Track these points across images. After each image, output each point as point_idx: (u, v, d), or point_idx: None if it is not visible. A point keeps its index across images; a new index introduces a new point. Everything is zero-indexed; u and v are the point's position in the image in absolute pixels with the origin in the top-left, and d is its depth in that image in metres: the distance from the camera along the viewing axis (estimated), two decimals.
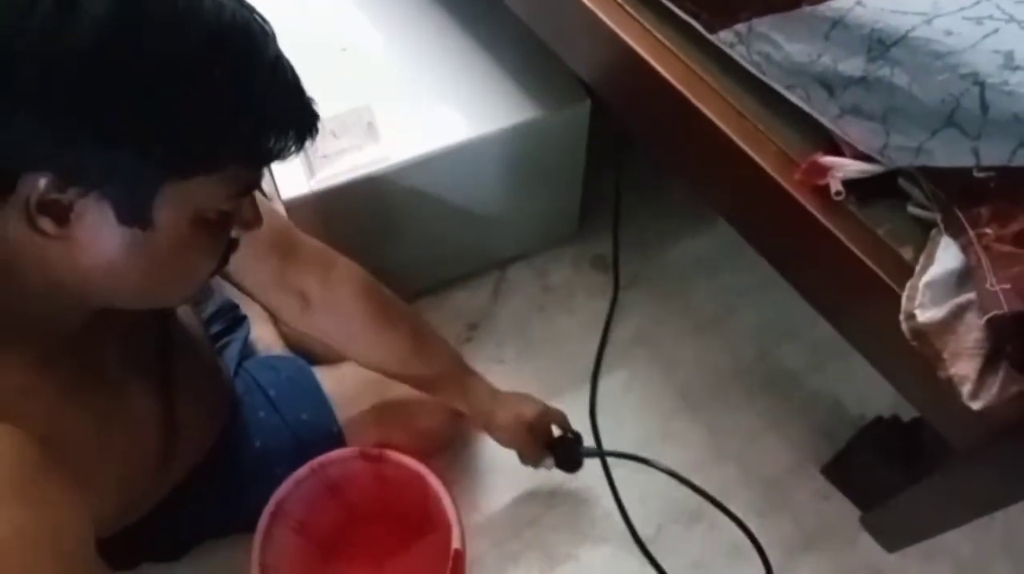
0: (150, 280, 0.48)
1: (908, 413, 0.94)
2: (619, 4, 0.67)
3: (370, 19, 1.04)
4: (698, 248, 1.20)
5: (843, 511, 0.99)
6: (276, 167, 0.88)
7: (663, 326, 1.13)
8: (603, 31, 0.67)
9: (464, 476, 1.01)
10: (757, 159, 0.59)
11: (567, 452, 0.91)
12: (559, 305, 1.16)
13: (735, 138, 0.60)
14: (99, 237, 0.44)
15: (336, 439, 0.86)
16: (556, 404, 1.06)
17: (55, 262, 0.45)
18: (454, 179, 0.95)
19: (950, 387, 0.48)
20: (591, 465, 0.97)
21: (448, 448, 1.00)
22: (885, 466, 0.92)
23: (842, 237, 0.55)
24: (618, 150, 1.13)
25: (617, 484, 1.00)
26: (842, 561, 0.96)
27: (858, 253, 0.55)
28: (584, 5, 0.68)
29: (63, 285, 0.47)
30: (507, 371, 1.09)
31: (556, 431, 0.92)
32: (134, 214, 0.44)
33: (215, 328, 0.95)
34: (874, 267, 0.54)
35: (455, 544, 0.77)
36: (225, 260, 0.53)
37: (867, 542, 0.97)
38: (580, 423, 1.04)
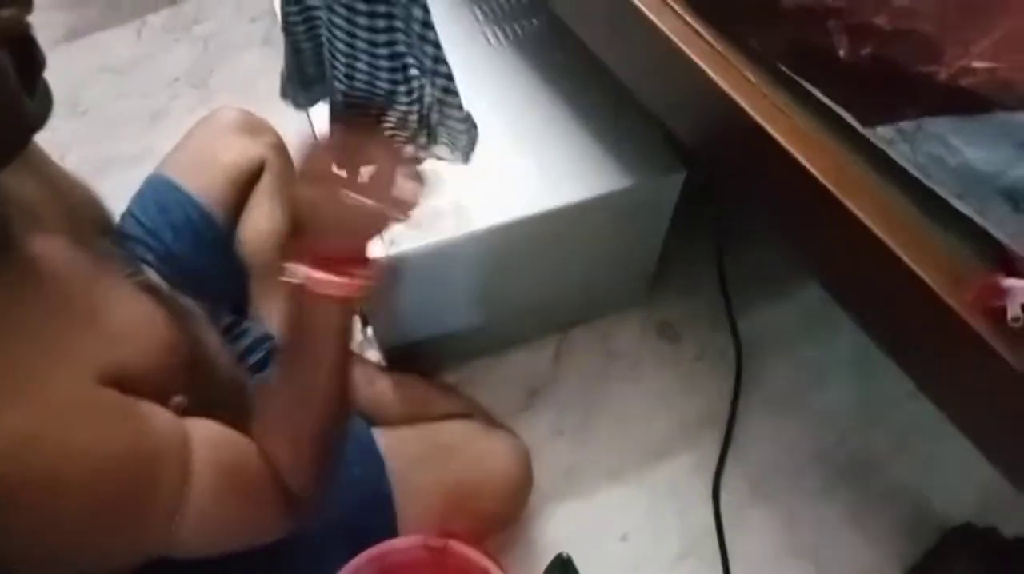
0: None
1: (1002, 523, 0.88)
2: (754, 85, 0.62)
3: (462, 75, 0.98)
4: (772, 320, 1.13)
5: None
6: None
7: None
8: (735, 113, 0.62)
9: (518, 559, 0.94)
10: (918, 271, 0.53)
11: None
12: (623, 374, 1.09)
13: (892, 245, 0.54)
14: None
15: (384, 502, 0.80)
16: (618, 486, 1.01)
17: None
18: (532, 245, 0.89)
19: None
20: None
21: (504, 530, 0.94)
22: None
23: (1017, 367, 0.49)
24: (716, 228, 1.07)
25: None
26: None
27: None
28: (716, 84, 0.62)
29: None
30: (567, 443, 1.03)
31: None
32: None
33: (253, 358, 0.90)
34: None
35: None
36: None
37: None
38: (660, 511, 0.98)
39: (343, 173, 0.55)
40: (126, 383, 0.50)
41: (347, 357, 0.62)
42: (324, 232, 0.56)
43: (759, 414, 1.06)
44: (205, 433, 0.55)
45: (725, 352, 1.10)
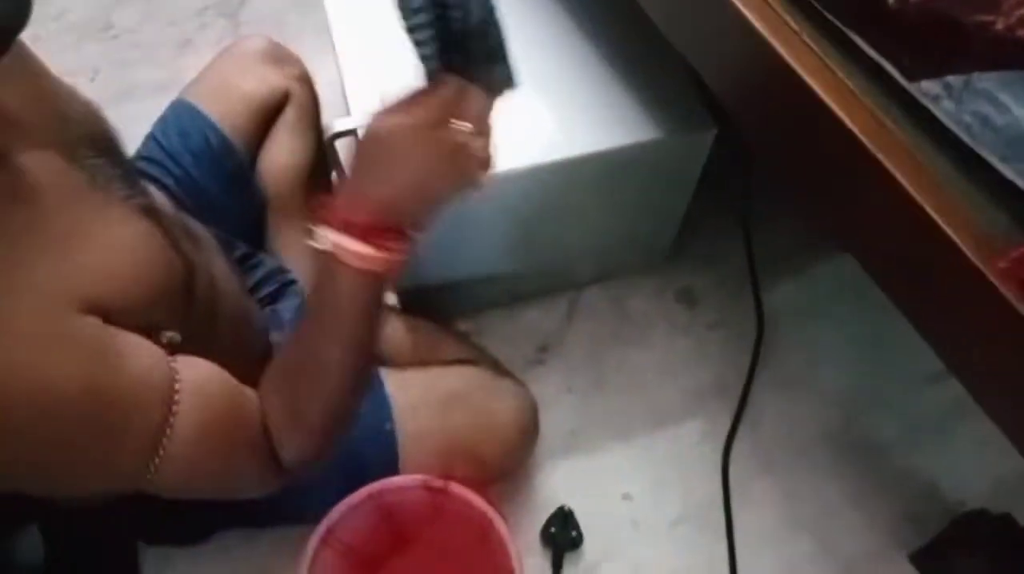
0: None
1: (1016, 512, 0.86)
2: (795, 32, 0.58)
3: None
4: (794, 295, 1.11)
5: None
6: None
7: (744, 377, 1.04)
8: (773, 61, 0.58)
9: (519, 509, 0.94)
10: (954, 237, 0.50)
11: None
12: (637, 337, 1.08)
13: (928, 208, 0.51)
14: None
15: (387, 439, 0.80)
16: (624, 447, 1.00)
17: None
18: (554, 194, 0.87)
19: None
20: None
21: (506, 479, 0.93)
22: (991, 570, 0.84)
23: None
24: (746, 187, 1.03)
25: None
26: None
27: None
28: (753, 27, 0.59)
29: None
30: (575, 401, 1.02)
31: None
32: None
33: (264, 291, 0.89)
34: None
35: None
36: None
37: None
38: (665, 476, 0.97)
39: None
40: (112, 312, 0.47)
41: (371, 337, 0.55)
42: (395, 181, 0.49)
43: (772, 388, 1.04)
44: (196, 374, 0.51)
45: (742, 322, 1.08)
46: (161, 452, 0.48)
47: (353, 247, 0.49)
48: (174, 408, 0.48)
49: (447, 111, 0.49)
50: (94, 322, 0.46)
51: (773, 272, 1.11)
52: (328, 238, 0.49)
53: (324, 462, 0.59)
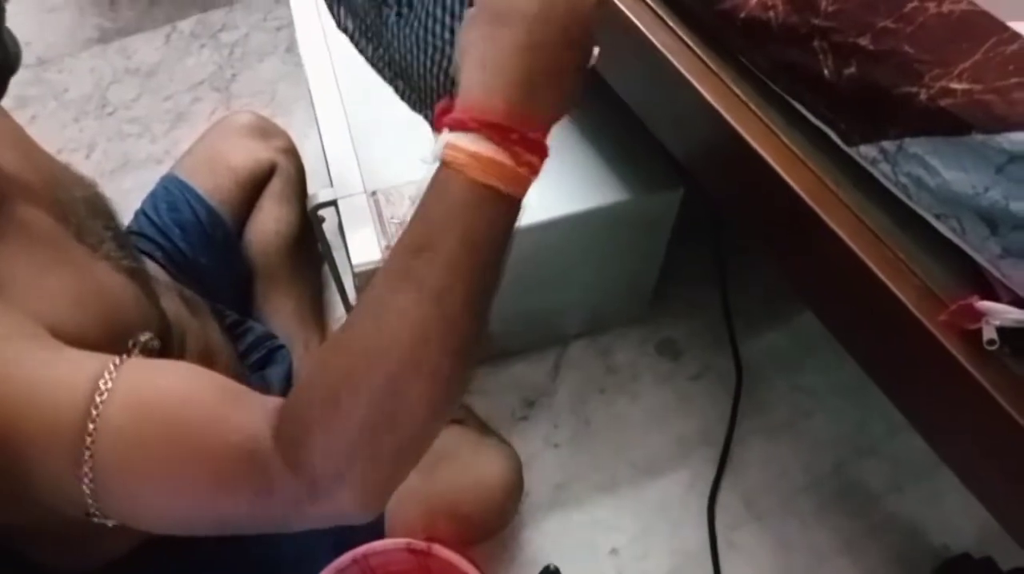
0: None
1: (999, 556, 0.86)
2: (742, 102, 0.62)
3: None
4: (776, 342, 1.12)
5: None
6: (348, 232, 0.84)
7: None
8: (723, 128, 0.62)
9: (505, 568, 0.94)
10: (895, 291, 0.53)
11: None
12: (622, 388, 1.09)
13: (871, 264, 0.54)
14: None
15: None
16: (610, 501, 1.00)
17: None
18: (531, 255, 0.90)
19: None
20: None
21: (492, 538, 0.94)
22: None
23: (992, 391, 0.49)
24: (717, 242, 1.06)
25: None
26: None
27: (1011, 411, 0.48)
28: (705, 99, 0.63)
29: None
30: (561, 455, 1.03)
31: None
32: None
33: (253, 357, 0.92)
34: None
35: None
36: None
37: None
38: (652, 528, 0.98)
39: None
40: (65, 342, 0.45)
41: (491, 291, 0.43)
42: (525, 55, 0.38)
43: (756, 436, 1.05)
44: (137, 380, 0.43)
45: (725, 372, 1.10)
46: (90, 462, 0.40)
47: (466, 145, 0.37)
48: (91, 426, 0.40)
49: None
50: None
51: (756, 321, 1.13)
52: (440, 143, 0.38)
53: (377, 492, 0.44)
